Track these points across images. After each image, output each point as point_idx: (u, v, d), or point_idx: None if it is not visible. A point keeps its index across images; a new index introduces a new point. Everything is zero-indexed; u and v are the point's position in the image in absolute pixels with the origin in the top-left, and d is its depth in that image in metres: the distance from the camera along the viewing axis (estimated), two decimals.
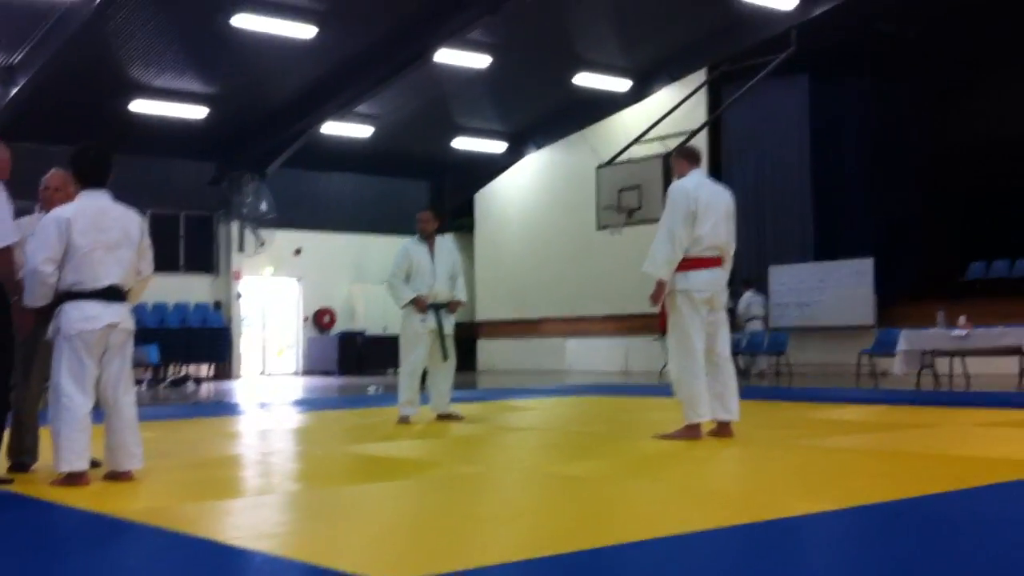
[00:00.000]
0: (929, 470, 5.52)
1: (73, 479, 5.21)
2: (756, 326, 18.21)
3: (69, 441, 5.19)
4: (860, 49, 18.06)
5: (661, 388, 12.40)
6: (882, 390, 13.23)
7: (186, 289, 22.39)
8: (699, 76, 19.84)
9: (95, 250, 5.31)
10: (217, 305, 22.73)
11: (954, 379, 14.13)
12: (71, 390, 5.24)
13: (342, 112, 19.87)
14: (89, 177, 5.48)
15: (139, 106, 18.75)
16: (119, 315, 5.39)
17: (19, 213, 5.55)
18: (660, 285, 6.97)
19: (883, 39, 17.62)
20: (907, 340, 13.81)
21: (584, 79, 19.75)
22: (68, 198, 5.68)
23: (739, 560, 3.57)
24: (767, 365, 18.06)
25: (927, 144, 20.15)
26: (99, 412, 5.42)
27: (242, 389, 17.14)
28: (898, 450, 6.40)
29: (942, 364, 14.26)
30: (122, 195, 5.69)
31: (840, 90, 19.49)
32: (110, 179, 5.53)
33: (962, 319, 13.37)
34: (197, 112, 19.40)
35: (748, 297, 18.45)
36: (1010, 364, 13.83)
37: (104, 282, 5.33)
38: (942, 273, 18.66)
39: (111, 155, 5.57)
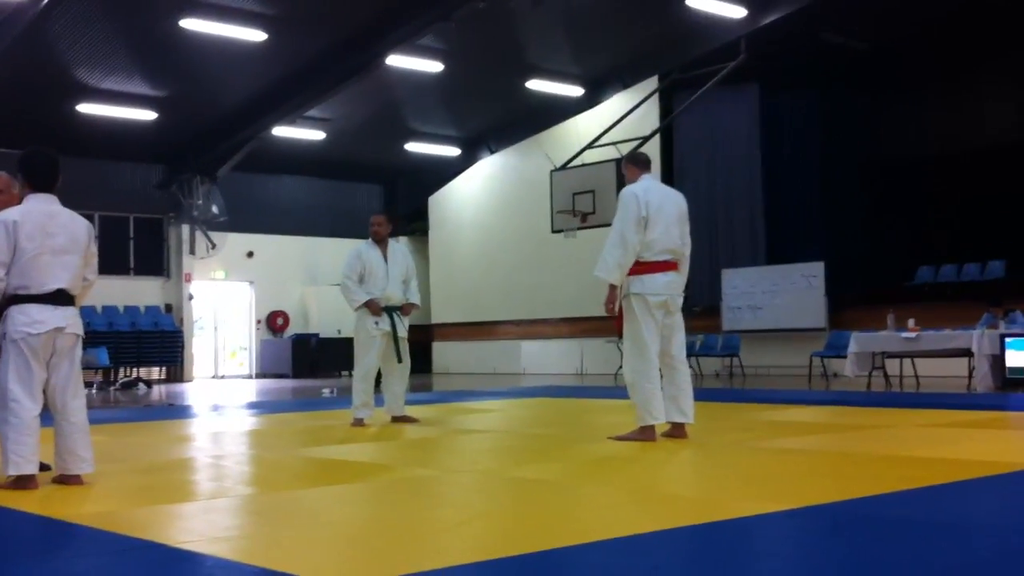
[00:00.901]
0: (879, 471, 5.58)
1: (21, 483, 5.16)
2: None
3: (17, 445, 5.14)
4: (809, 59, 18.26)
5: (616, 390, 12.44)
6: (833, 391, 13.37)
7: (136, 292, 22.21)
8: (651, 83, 19.98)
9: (42, 255, 5.27)
10: (168, 308, 22.54)
11: (904, 380, 14.32)
12: (18, 394, 5.19)
13: (293, 116, 19.76)
14: (38, 181, 5.44)
15: (87, 108, 18.54)
16: (66, 319, 5.35)
17: None
18: (612, 289, 7.02)
19: (831, 50, 17.83)
20: (858, 342, 13.98)
21: (537, 85, 19.79)
22: (11, 201, 5.63)
23: (690, 560, 3.60)
24: (721, 367, 18.21)
25: (876, 152, 20.39)
26: (48, 416, 5.36)
27: (194, 392, 16.98)
28: (848, 451, 6.46)
29: (892, 366, 14.44)
30: (70, 197, 5.64)
31: (790, 99, 19.68)
32: (58, 184, 5.49)
33: (911, 322, 13.56)
34: (146, 115, 19.22)
35: None
36: (959, 366, 14.03)
37: (51, 287, 5.30)
38: (891, 277, 18.88)
39: (59, 161, 5.54)
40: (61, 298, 5.35)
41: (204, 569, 3.51)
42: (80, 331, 5.47)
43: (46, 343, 5.27)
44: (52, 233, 5.32)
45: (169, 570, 3.51)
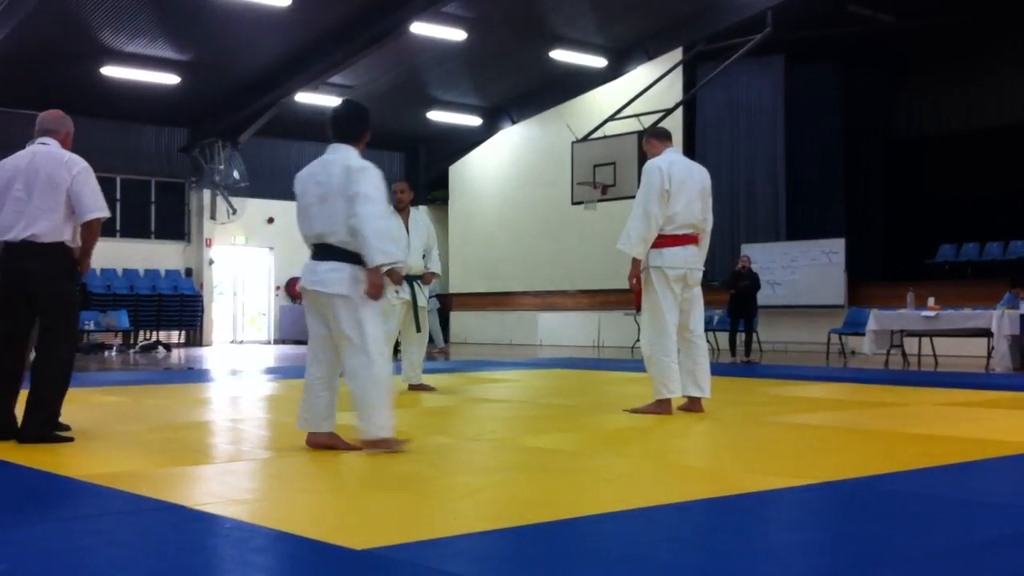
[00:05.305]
0: (896, 448, 5.58)
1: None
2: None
3: None
4: (835, 33, 18.12)
5: (633, 363, 12.46)
6: (851, 369, 13.33)
7: (157, 255, 22.31)
8: (675, 55, 19.82)
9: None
10: (188, 272, 22.63)
11: (922, 359, 14.27)
12: None
13: (316, 82, 19.75)
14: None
15: (111, 71, 18.57)
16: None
17: None
18: (635, 263, 7.00)
19: (857, 23, 17.69)
20: (877, 320, 13.93)
21: (560, 55, 19.69)
22: None
23: (705, 532, 3.60)
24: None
25: (899, 127, 20.28)
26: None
27: (213, 356, 17.07)
28: (866, 428, 6.46)
29: (911, 344, 14.40)
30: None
31: (815, 73, 19.55)
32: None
33: (931, 300, 13.50)
34: (169, 78, 19.23)
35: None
36: (978, 346, 13.97)
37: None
38: (912, 255, 18.81)
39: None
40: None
41: (222, 530, 3.54)
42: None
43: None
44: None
45: (186, 531, 3.54)
